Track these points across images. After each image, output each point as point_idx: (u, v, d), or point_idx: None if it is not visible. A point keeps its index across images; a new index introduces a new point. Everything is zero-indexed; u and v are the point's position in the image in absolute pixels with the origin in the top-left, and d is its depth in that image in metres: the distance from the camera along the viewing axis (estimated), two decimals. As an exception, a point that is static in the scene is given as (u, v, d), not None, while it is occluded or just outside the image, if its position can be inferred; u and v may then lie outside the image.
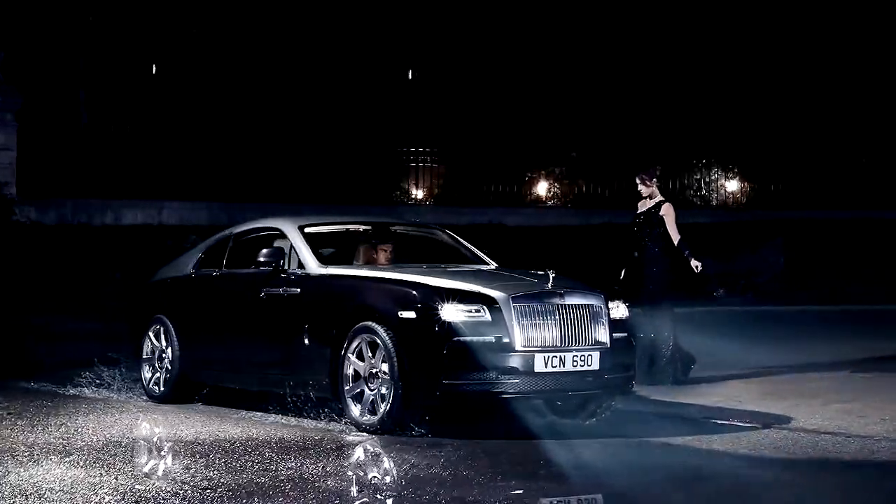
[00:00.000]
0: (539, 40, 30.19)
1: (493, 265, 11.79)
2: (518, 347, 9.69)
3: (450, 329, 9.65)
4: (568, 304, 9.99)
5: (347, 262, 11.58)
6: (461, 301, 9.77)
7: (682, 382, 12.98)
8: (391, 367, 9.80)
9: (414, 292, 9.90)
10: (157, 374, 12.33)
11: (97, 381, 13.30)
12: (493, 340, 9.67)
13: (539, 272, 10.65)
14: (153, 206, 27.43)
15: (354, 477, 8.26)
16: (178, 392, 12.15)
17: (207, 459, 8.64)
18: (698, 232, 25.14)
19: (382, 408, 9.87)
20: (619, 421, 10.55)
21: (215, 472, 8.18)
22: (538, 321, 9.82)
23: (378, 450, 9.17)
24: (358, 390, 10.14)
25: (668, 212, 13.37)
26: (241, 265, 12.07)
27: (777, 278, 21.32)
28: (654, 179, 13.58)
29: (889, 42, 28.46)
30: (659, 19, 29.85)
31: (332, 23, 29.93)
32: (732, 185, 28.48)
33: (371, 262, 11.55)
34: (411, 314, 9.79)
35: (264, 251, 11.23)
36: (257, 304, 11.24)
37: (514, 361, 9.66)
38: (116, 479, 7.99)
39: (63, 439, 9.58)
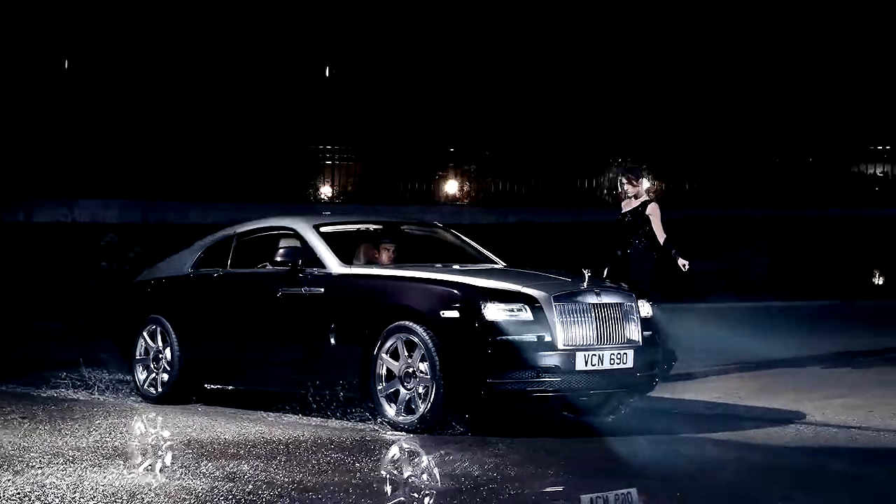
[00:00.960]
0: (454, 40, 30.30)
1: (502, 264, 11.84)
2: (560, 346, 9.78)
3: (494, 328, 9.70)
4: (603, 303, 10.11)
5: (346, 261, 11.52)
6: (503, 300, 9.82)
7: (665, 379, 13.18)
8: (432, 367, 9.80)
9: (456, 292, 9.91)
10: (154, 375, 12.17)
11: (76, 383, 13.11)
12: (536, 339, 9.74)
13: (552, 271, 10.85)
14: (65, 204, 26.89)
15: (442, 475, 8.19)
16: (176, 393, 12.00)
17: (278, 461, 8.55)
18: (609, 230, 25.56)
19: (422, 407, 9.87)
20: (640, 417, 10.71)
21: (299, 474, 8.10)
22: (577, 320, 9.91)
23: (440, 449, 9.11)
24: (392, 390, 10.12)
25: (653, 211, 13.52)
26: (245, 265, 11.99)
27: (761, 277, 21.84)
28: (641, 179, 13.74)
29: (800, 45, 29.17)
30: (572, 18, 30.17)
31: (250, 18, 29.64)
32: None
33: (373, 261, 11.52)
34: (454, 314, 9.80)
35: (281, 251, 11.13)
36: (274, 304, 11.13)
37: (557, 360, 9.75)
38: (199, 480, 7.87)
39: (106, 443, 9.39)
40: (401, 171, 29.42)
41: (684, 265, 13.29)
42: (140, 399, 12.19)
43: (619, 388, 10.24)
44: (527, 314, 9.79)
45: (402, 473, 8.26)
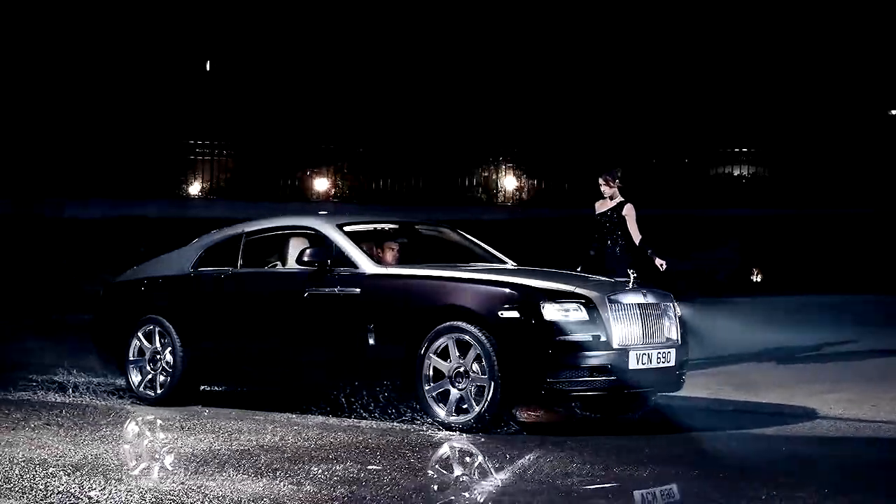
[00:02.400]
0: (331, 37, 30.15)
1: (512, 263, 11.95)
2: (615, 346, 9.97)
3: (553, 328, 9.82)
4: (649, 303, 10.35)
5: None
6: (561, 300, 9.96)
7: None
8: (490, 367, 9.86)
9: (515, 292, 9.99)
10: (151, 377, 11.94)
11: (50, 385, 12.83)
12: (592, 339, 9.90)
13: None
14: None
15: (515, 478, 8.20)
16: (177, 394, 11.81)
17: (379, 463, 8.50)
18: (490, 228, 25.88)
19: (477, 407, 9.92)
20: (669, 414, 10.97)
21: (418, 476, 8.10)
22: (627, 319, 10.13)
23: (526, 451, 9.13)
24: (440, 390, 10.16)
25: (629, 212, 13.71)
26: (253, 264, 11.85)
27: (734, 275, 22.41)
28: (617, 181, 13.94)
29: (675, 48, 29.91)
30: (447, 14, 30.32)
31: (130, 12, 28.95)
32: (518, 183, 29.32)
33: (376, 261, 11.47)
34: (514, 314, 9.88)
35: (308, 251, 11.02)
36: (301, 304, 11.01)
37: (612, 359, 9.94)
38: (328, 487, 7.77)
39: (172, 449, 9.21)
40: (276, 168, 29.15)
41: (661, 265, 13.55)
42: (136, 401, 11.94)
43: (662, 386, 10.50)
44: (582, 314, 9.95)
45: (521, 474, 8.29)
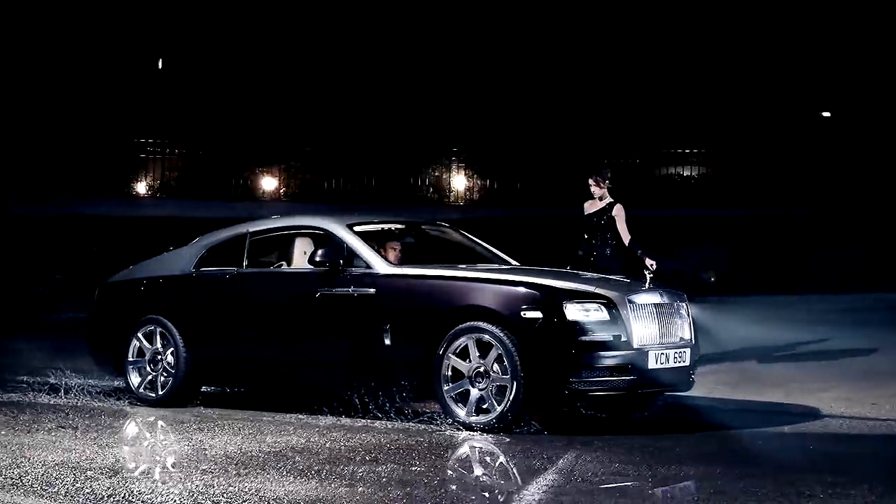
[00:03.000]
0: (281, 36, 30.03)
1: (516, 263, 11.99)
2: (635, 345, 10.04)
3: (576, 328, 9.88)
4: (664, 303, 10.44)
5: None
6: (583, 300, 10.01)
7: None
8: (512, 367, 9.89)
9: (537, 292, 10.03)
10: (151, 378, 11.82)
11: (42, 387, 12.69)
12: (613, 339, 9.97)
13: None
14: None
15: (564, 478, 8.19)
16: (179, 395, 11.72)
17: (419, 464, 8.50)
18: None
19: (499, 407, 9.95)
20: (677, 413, 11.07)
21: (440, 475, 8.11)
22: (646, 319, 10.21)
23: (539, 450, 9.11)
24: (460, 390, 10.17)
25: (619, 213, 13.74)
26: (254, 265, 11.78)
27: (722, 275, 22.56)
28: (607, 181, 13.99)
29: (623, 52, 30.16)
30: (397, 13, 30.31)
31: (73, 13, 28.60)
32: (468, 183, 29.41)
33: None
34: (537, 314, 9.91)
35: (320, 251, 10.98)
36: (312, 305, 10.95)
37: (633, 359, 10.01)
38: (350, 487, 7.75)
39: (194, 451, 9.13)
40: (225, 166, 28.99)
41: (651, 265, 13.61)
42: (136, 403, 11.81)
43: (677, 385, 10.57)
44: (603, 314, 10.01)
45: (568, 474, 8.30)
